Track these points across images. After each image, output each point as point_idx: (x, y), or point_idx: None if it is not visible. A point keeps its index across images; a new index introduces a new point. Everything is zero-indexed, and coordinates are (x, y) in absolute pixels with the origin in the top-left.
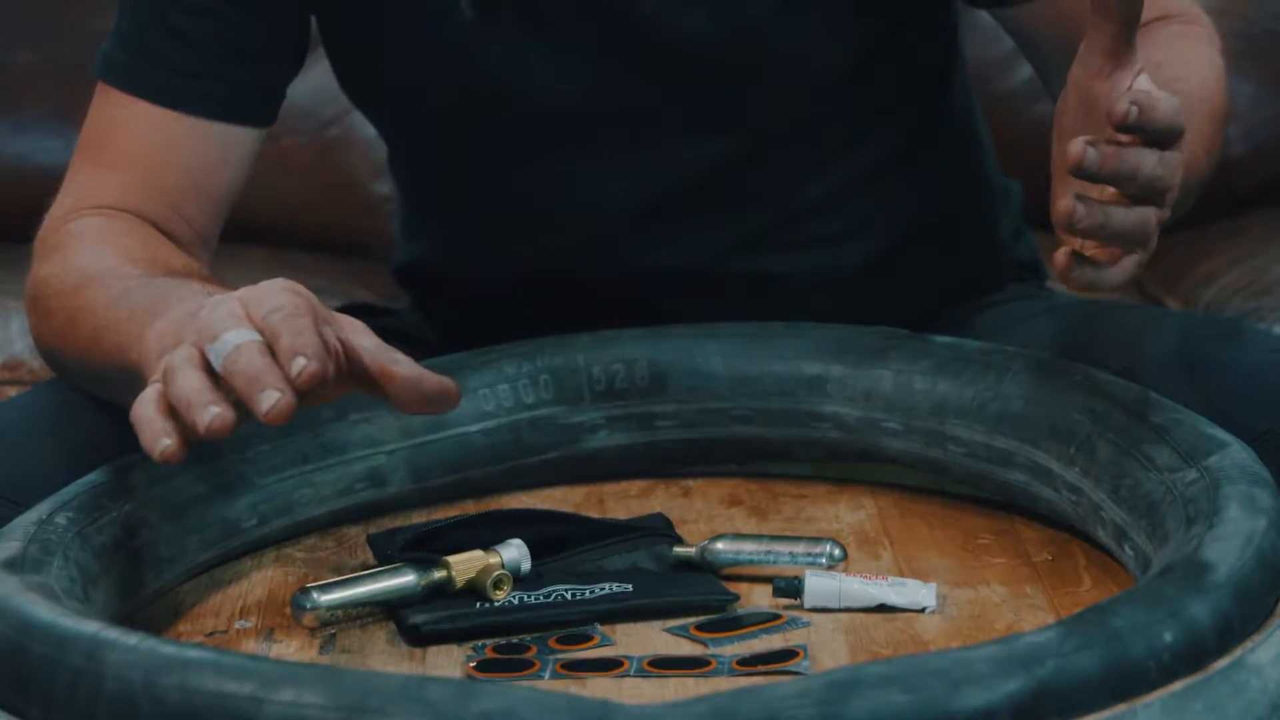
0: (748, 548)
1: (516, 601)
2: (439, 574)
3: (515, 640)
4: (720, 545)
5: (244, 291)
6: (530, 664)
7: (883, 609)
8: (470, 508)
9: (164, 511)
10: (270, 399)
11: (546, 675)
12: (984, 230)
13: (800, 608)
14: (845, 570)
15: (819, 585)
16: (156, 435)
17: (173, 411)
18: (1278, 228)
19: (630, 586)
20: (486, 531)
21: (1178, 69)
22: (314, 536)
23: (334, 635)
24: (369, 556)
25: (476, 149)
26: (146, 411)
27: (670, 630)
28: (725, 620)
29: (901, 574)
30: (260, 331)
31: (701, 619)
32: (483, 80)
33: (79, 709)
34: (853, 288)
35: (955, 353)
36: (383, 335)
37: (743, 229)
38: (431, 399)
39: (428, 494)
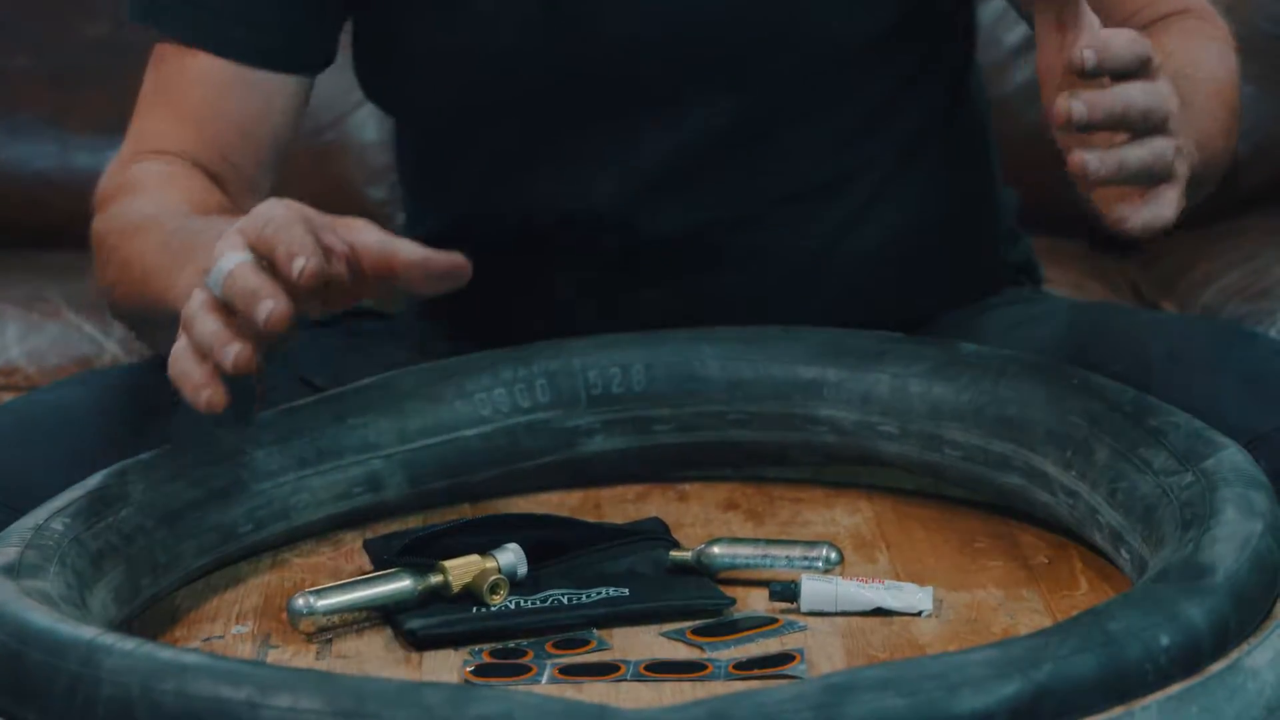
0: (744, 552)
1: (513, 606)
2: (435, 579)
3: (512, 645)
4: (717, 549)
5: (240, 220)
6: (527, 668)
7: (879, 613)
8: (467, 512)
9: (160, 517)
10: (265, 309)
11: (543, 680)
12: (985, 230)
13: (797, 611)
14: (842, 574)
15: (815, 589)
16: (196, 389)
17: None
18: (1275, 231)
19: (627, 591)
20: (483, 536)
21: (1189, 57)
22: (310, 542)
23: (330, 640)
24: (365, 562)
25: (492, 111)
26: (182, 367)
27: (667, 634)
28: (722, 624)
29: (898, 578)
30: (257, 249)
31: (698, 623)
32: (504, 40)
33: (75, 714)
34: (853, 275)
35: (951, 356)
36: (382, 339)
37: (746, 202)
38: (442, 275)
39: (424, 498)
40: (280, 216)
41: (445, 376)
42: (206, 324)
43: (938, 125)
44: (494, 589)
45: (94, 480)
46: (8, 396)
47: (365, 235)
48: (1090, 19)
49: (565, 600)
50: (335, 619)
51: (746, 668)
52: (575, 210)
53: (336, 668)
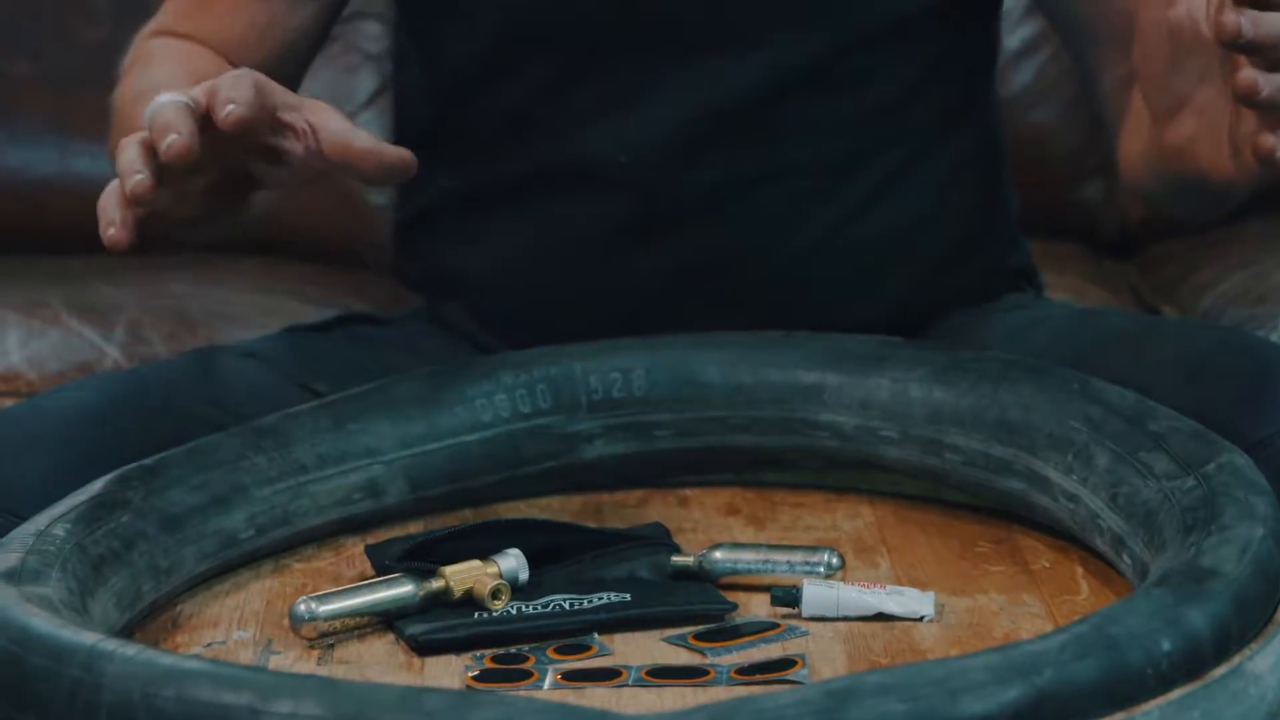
0: (745, 557)
1: (514, 611)
2: (437, 584)
3: (514, 650)
4: (718, 554)
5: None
6: (529, 674)
7: (881, 617)
8: (468, 517)
9: (161, 523)
10: (168, 140)
11: (545, 685)
12: (991, 232)
13: (798, 616)
14: (843, 579)
15: (817, 594)
16: (106, 224)
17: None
18: (1274, 236)
19: (628, 596)
20: (484, 541)
21: None
22: (312, 547)
23: (332, 646)
24: (367, 567)
25: (529, 50)
26: (102, 200)
27: (668, 639)
28: (723, 629)
29: (899, 582)
30: (198, 95)
31: (699, 628)
32: None
33: None
34: (860, 258)
35: (952, 361)
36: (382, 345)
37: (764, 168)
38: (390, 168)
39: (425, 504)
40: (236, 73)
41: (446, 382)
42: (127, 152)
43: (957, 119)
44: (495, 594)
45: (95, 486)
46: (8, 402)
47: (326, 116)
48: None
49: (567, 605)
50: (337, 624)
51: (748, 673)
52: (595, 161)
53: (338, 673)
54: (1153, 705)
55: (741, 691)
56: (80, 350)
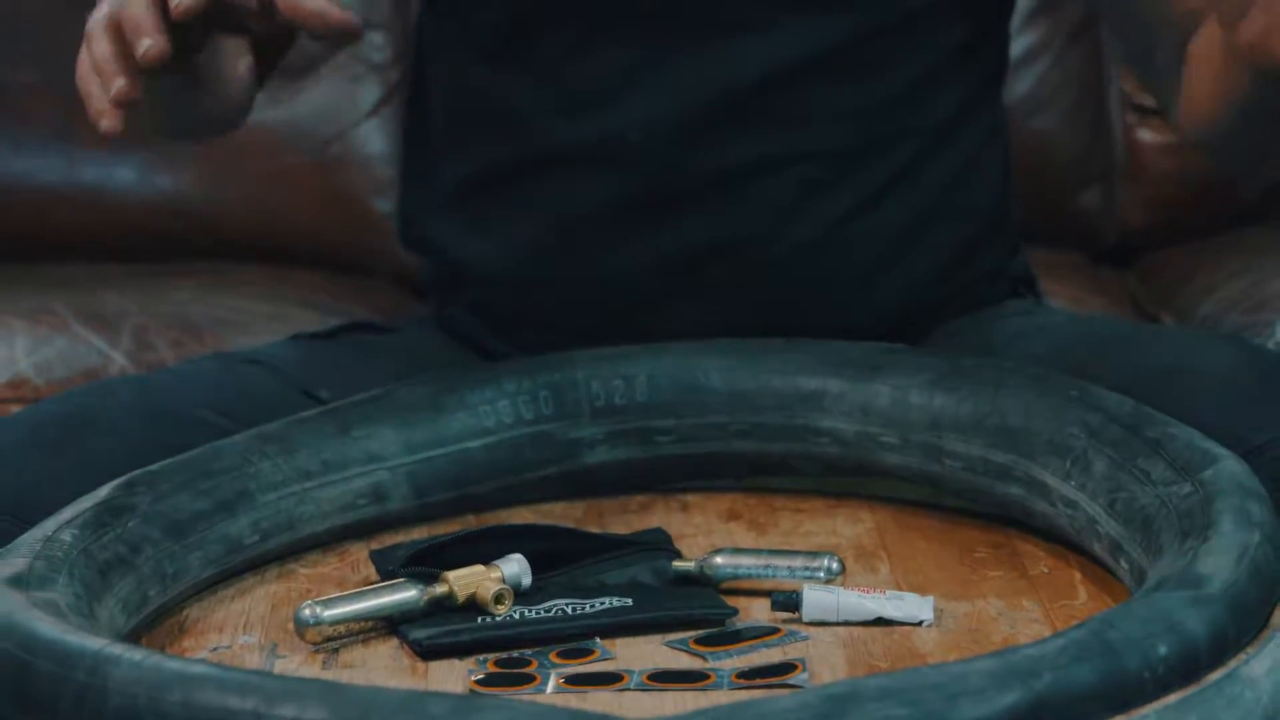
0: (746, 562)
1: (517, 616)
2: (440, 589)
3: (516, 654)
4: (719, 559)
5: None
6: (531, 678)
7: (880, 622)
8: (471, 523)
9: (167, 529)
10: (143, 45)
11: (548, 689)
12: (995, 236)
13: (799, 621)
14: (843, 584)
15: (817, 599)
16: (97, 114)
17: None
18: (1272, 243)
19: (630, 601)
20: (487, 546)
21: None
22: (316, 552)
23: (337, 650)
24: (371, 572)
25: (541, 30)
26: (84, 86)
27: (670, 644)
28: (724, 634)
29: (899, 587)
30: None
31: (701, 633)
32: None
33: None
34: (866, 252)
35: (952, 367)
36: (385, 352)
37: (778, 151)
38: (335, 28)
39: (429, 510)
40: None
41: (449, 388)
42: (102, 44)
43: (965, 118)
44: (498, 599)
45: (102, 492)
46: (16, 408)
47: None
48: None
49: (569, 610)
50: (341, 629)
51: (749, 677)
52: (606, 140)
53: (343, 677)
54: (1149, 709)
55: (742, 695)
56: (86, 357)
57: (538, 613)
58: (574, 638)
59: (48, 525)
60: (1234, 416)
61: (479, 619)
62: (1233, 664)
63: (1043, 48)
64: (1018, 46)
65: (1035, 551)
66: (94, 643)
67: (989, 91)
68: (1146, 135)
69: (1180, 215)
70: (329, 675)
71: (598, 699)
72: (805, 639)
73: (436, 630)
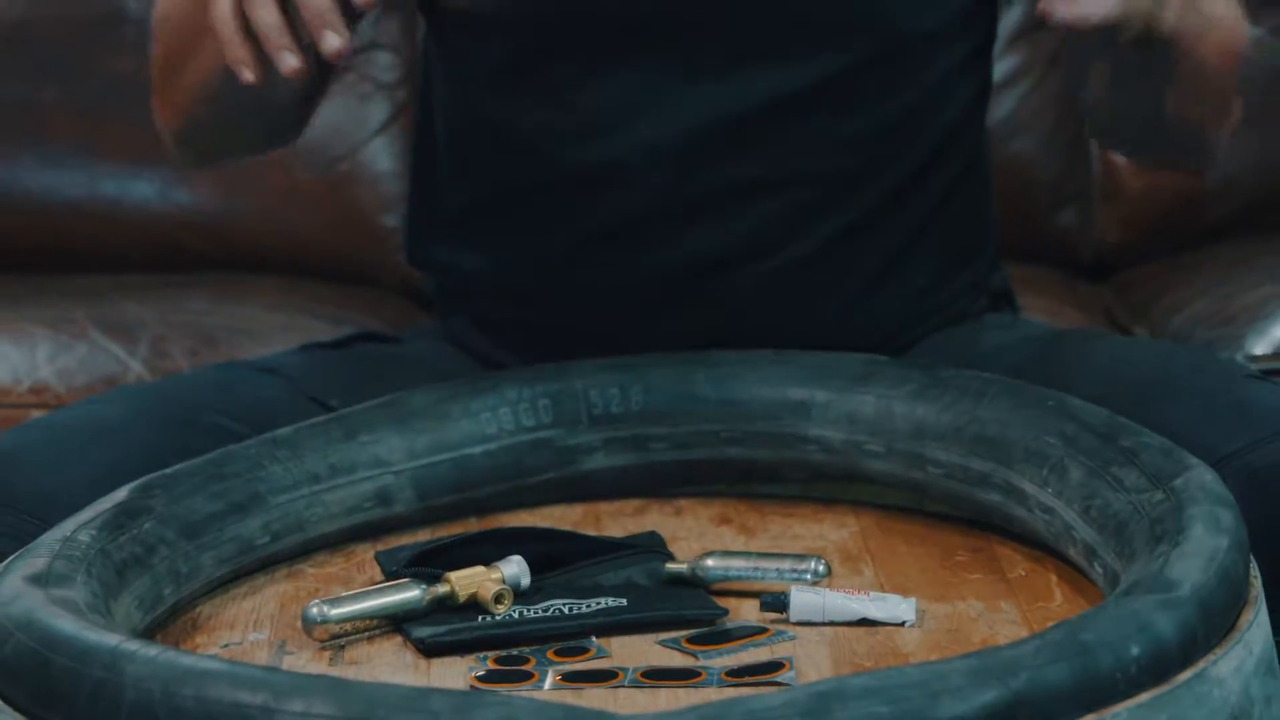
0: (736, 564)
1: (517, 615)
2: (443, 589)
3: (515, 652)
4: (710, 562)
5: None
6: (530, 675)
7: (865, 623)
8: (473, 525)
9: (181, 530)
10: (330, 42)
11: (545, 686)
12: (979, 252)
13: (786, 621)
14: (829, 586)
15: (804, 600)
16: (239, 61)
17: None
18: (1241, 260)
19: (625, 601)
20: (488, 548)
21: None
22: (324, 553)
23: (343, 647)
24: (376, 572)
25: (546, 59)
26: (226, 32)
27: (663, 643)
28: (715, 633)
29: (882, 589)
30: None
31: (692, 632)
32: None
33: (100, 719)
34: (856, 271)
35: (934, 378)
36: (391, 362)
37: (773, 176)
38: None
39: (432, 513)
40: None
41: (453, 396)
42: (270, 12)
43: (951, 141)
44: (498, 599)
45: (119, 494)
46: (38, 413)
47: None
48: None
49: (566, 610)
50: (347, 627)
51: (738, 675)
52: (608, 165)
53: (349, 674)
54: (1122, 707)
55: (732, 693)
56: (106, 364)
57: (536, 612)
58: (571, 636)
59: (67, 525)
60: (1204, 427)
61: (480, 618)
62: (1201, 664)
63: (1022, 73)
64: (998, 71)
65: (1013, 555)
66: (111, 639)
67: (973, 116)
68: (1121, 157)
69: (1153, 233)
70: (335, 671)
71: (593, 696)
72: (792, 638)
73: (439, 629)
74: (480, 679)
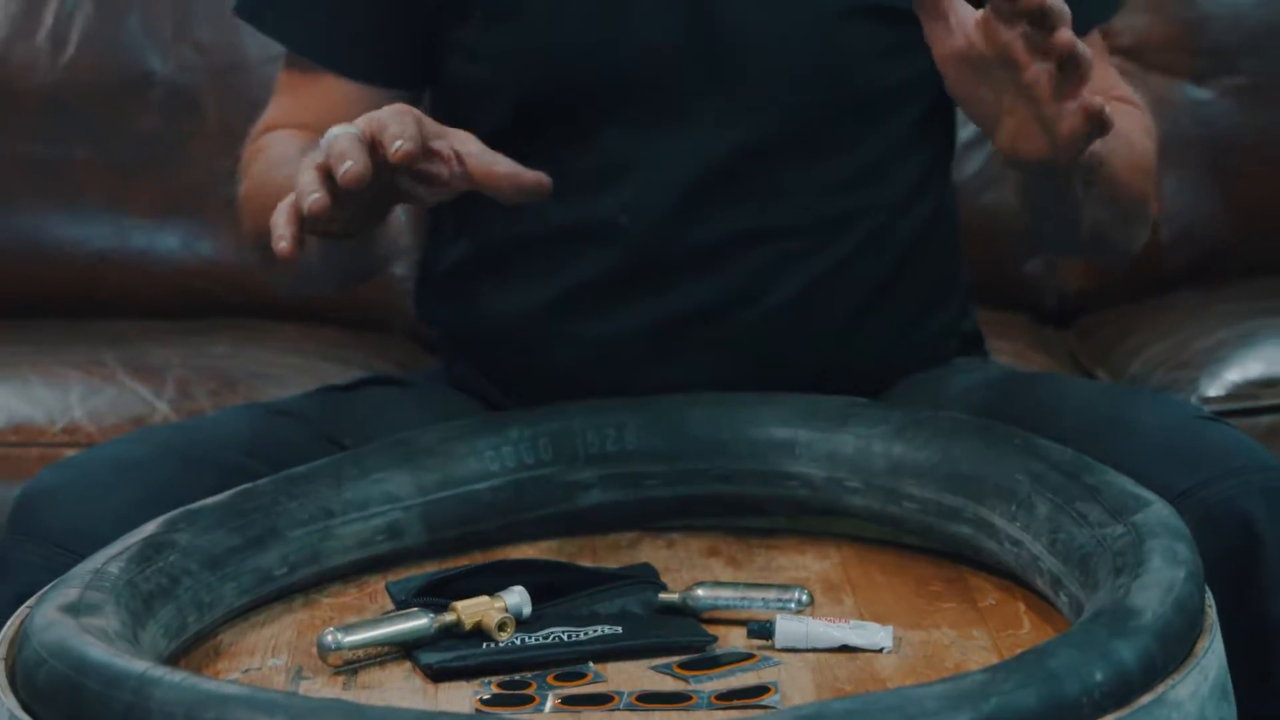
0: (725, 594)
1: (519, 642)
2: (450, 617)
3: (518, 677)
4: (701, 592)
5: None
6: (531, 698)
7: (845, 649)
8: (478, 558)
9: (204, 562)
10: (345, 165)
11: (546, 709)
12: (950, 297)
13: (772, 648)
14: (812, 614)
15: (789, 628)
16: (277, 239)
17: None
18: (1197, 307)
19: (620, 629)
20: (492, 579)
21: (1121, 125)
22: (338, 584)
23: (356, 672)
24: (387, 602)
25: (539, 130)
26: (273, 218)
27: (656, 668)
28: (705, 659)
29: (862, 618)
30: (366, 128)
31: (684, 658)
32: (571, 39)
33: None
34: (835, 315)
35: (910, 419)
36: (402, 403)
37: (751, 227)
38: (528, 189)
39: (440, 545)
40: (397, 108)
41: (459, 436)
42: (304, 175)
43: (921, 188)
44: (501, 626)
45: (146, 529)
46: (70, 452)
47: (470, 144)
48: (963, 6)
49: (565, 637)
50: (360, 653)
51: (727, 698)
52: (599, 223)
53: (361, 698)
54: None
55: (720, 715)
56: (134, 405)
57: (537, 639)
58: (570, 662)
59: (98, 558)
60: (1162, 465)
61: (484, 644)
62: (1161, 689)
63: None
64: (968, 131)
65: (984, 585)
66: (138, 665)
67: (940, 168)
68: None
69: (1114, 283)
70: (349, 695)
71: (591, 718)
72: (777, 664)
73: (446, 655)
74: (485, 702)
